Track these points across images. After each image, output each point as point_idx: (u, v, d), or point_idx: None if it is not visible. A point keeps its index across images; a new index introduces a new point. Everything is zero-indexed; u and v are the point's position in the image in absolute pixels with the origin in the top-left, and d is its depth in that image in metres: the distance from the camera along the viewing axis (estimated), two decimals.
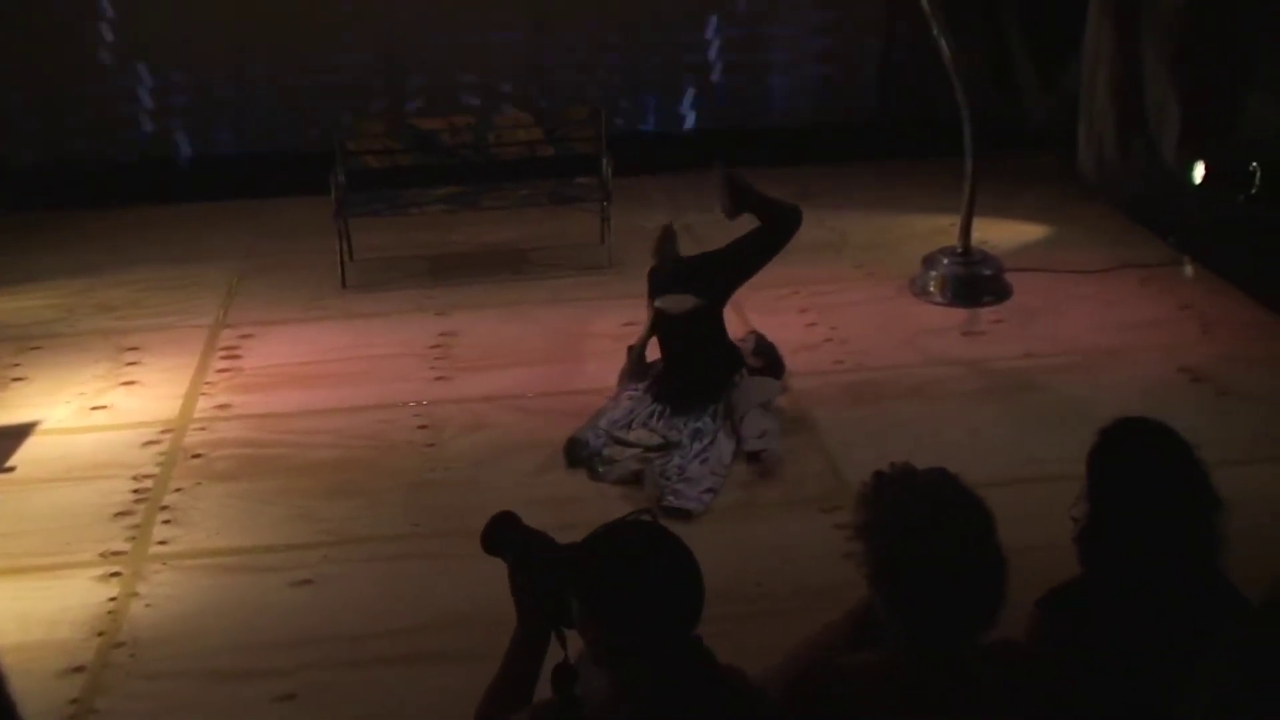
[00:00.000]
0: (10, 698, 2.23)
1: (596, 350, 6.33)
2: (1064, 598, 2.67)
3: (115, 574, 4.73)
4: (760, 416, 5.41)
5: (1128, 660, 2.52)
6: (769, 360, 5.78)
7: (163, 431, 5.76)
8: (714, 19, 9.35)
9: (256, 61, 8.87)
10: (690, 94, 9.45)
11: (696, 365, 5.61)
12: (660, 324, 5.68)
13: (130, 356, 6.54)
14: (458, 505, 5.00)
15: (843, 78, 9.53)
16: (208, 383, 6.23)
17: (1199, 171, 7.58)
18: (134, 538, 4.95)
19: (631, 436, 5.38)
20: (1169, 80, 7.42)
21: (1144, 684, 2.46)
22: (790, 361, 5.92)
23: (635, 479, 5.18)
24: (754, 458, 5.29)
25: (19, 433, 5.76)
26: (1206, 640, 2.00)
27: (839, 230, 7.81)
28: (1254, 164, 7.43)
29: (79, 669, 4.21)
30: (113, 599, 4.58)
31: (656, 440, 5.35)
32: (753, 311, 6.51)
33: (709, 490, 5.08)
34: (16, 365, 6.48)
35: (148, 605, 4.55)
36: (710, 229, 6.76)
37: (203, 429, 5.79)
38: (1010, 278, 7.02)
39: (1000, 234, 7.60)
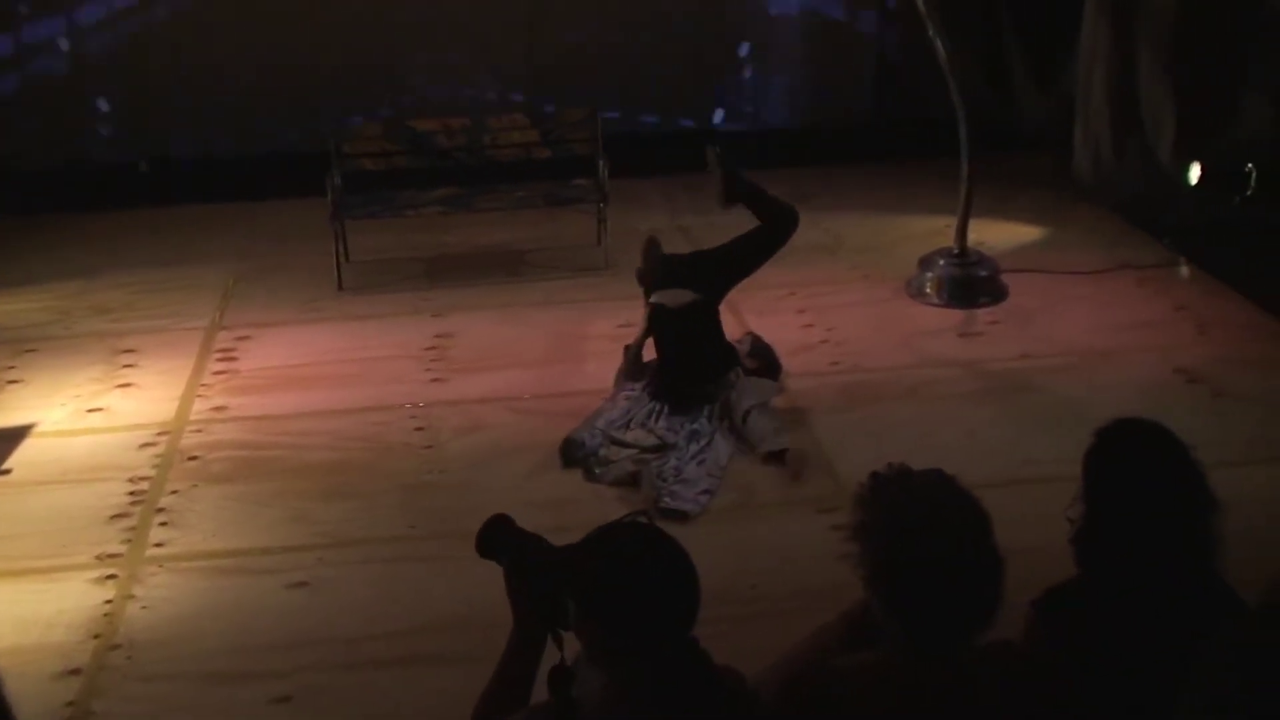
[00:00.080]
0: (6, 700, 2.23)
1: (593, 351, 6.33)
2: (1060, 599, 2.66)
3: (111, 576, 4.72)
4: (762, 416, 5.41)
5: (1124, 661, 2.52)
6: (765, 361, 5.78)
7: (159, 434, 5.75)
8: (713, 20, 9.35)
9: (253, 63, 8.85)
10: (688, 95, 9.45)
11: (692, 361, 5.62)
12: (656, 320, 5.69)
13: (126, 359, 6.53)
14: (454, 507, 5.00)
15: (839, 79, 9.54)
16: (204, 385, 6.22)
17: (1195, 173, 7.59)
18: (130, 540, 4.95)
19: (628, 437, 5.38)
20: (1165, 81, 7.44)
21: (1140, 685, 2.46)
22: (787, 363, 5.92)
23: (632, 480, 5.18)
24: (775, 458, 5.27)
25: (15, 435, 5.75)
26: (1203, 641, 2.00)
27: (835, 232, 7.82)
28: (1249, 165, 7.45)
29: (75, 671, 4.20)
30: (109, 601, 4.57)
31: (653, 441, 5.35)
32: (749, 313, 6.51)
33: (706, 492, 5.08)
34: (12, 368, 6.47)
35: (144, 607, 4.54)
36: (706, 231, 6.78)
37: (199, 431, 5.78)
38: (1006, 279, 7.02)
39: (996, 235, 7.61)
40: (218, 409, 5.99)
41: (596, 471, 5.26)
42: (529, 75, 9.22)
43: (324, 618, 4.46)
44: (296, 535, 4.97)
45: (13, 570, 4.79)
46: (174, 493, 5.27)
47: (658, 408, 5.53)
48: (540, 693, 2.38)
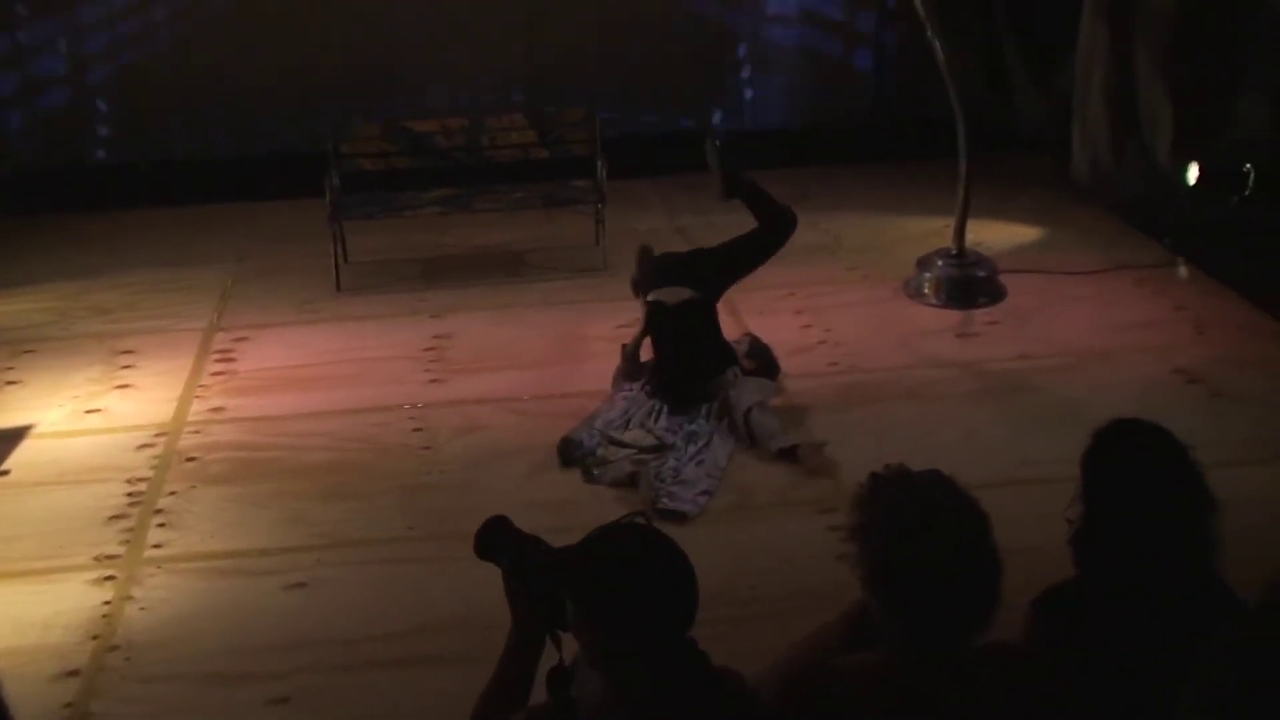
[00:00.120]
0: (5, 701, 2.22)
1: (591, 352, 6.33)
2: (1059, 599, 2.67)
3: (109, 577, 4.72)
4: (764, 414, 5.41)
5: (1123, 661, 2.52)
6: (763, 362, 5.79)
7: (157, 435, 5.75)
8: (713, 20, 9.35)
9: (253, 63, 8.85)
10: (687, 95, 9.45)
11: (689, 359, 5.63)
12: (654, 317, 5.69)
13: (124, 360, 6.53)
14: (452, 508, 5.00)
15: (838, 79, 9.54)
16: (202, 386, 6.22)
17: (1193, 173, 7.59)
18: (128, 541, 4.95)
19: (627, 437, 5.38)
20: (1163, 82, 7.43)
21: (1139, 685, 2.46)
22: (785, 363, 5.93)
23: (630, 481, 5.18)
24: (788, 454, 5.26)
25: (13, 436, 5.75)
26: (1202, 642, 2.00)
27: (834, 232, 7.81)
28: (1248, 166, 7.45)
29: (73, 673, 4.20)
30: (107, 602, 4.57)
31: (651, 441, 5.35)
32: (748, 313, 6.51)
33: (704, 493, 5.07)
34: (10, 369, 6.47)
35: (142, 609, 4.54)
36: (705, 231, 6.78)
37: (197, 432, 5.78)
38: (1005, 279, 7.02)
39: (995, 236, 7.61)
40: (216, 410, 5.98)
41: (595, 472, 5.26)
42: (528, 75, 9.22)
43: (322, 619, 4.46)
44: (295, 536, 4.97)
45: (11, 571, 4.79)
46: (172, 494, 5.27)
47: (656, 407, 5.53)
48: (539, 693, 2.38)
